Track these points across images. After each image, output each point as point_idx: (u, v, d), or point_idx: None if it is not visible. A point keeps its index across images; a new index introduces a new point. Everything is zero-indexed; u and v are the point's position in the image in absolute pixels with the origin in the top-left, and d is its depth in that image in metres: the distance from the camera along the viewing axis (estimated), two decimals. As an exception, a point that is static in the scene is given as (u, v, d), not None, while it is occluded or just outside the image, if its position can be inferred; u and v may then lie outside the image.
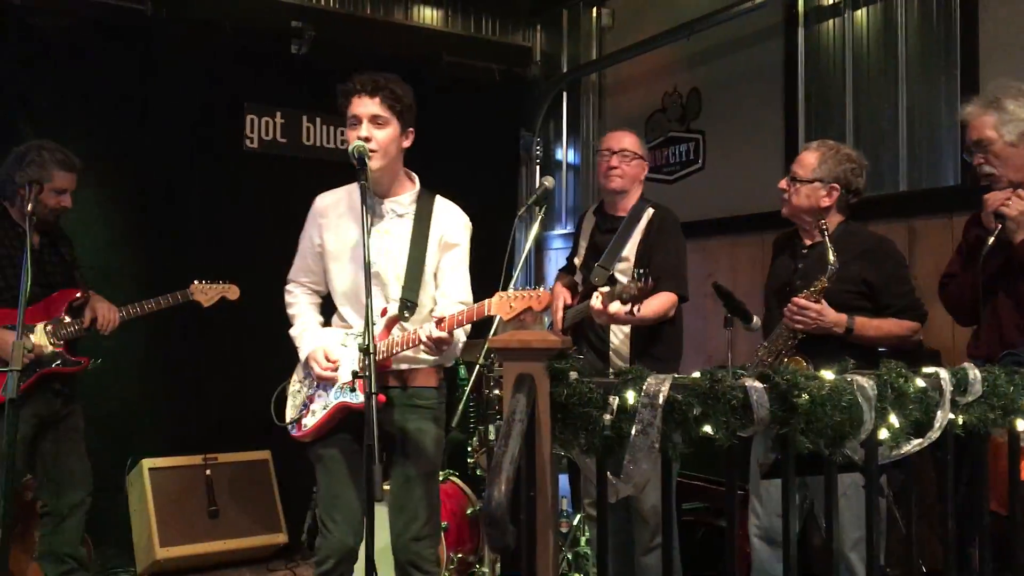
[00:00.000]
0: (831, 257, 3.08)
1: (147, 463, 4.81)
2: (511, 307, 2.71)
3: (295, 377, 3.11)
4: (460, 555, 4.13)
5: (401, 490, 2.97)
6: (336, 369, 2.92)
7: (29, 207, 3.44)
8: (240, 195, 5.30)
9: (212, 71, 5.27)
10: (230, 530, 4.88)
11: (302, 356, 3.05)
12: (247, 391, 5.16)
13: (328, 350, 2.95)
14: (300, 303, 3.15)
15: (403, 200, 3.03)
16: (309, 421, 2.95)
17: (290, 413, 3.04)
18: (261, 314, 5.18)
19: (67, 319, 3.78)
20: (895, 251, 3.30)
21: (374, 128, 2.90)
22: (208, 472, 4.94)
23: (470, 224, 3.14)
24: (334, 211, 3.08)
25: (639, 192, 3.68)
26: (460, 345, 2.99)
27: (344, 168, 2.95)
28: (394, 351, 2.84)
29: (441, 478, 4.35)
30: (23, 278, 3.09)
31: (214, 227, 5.17)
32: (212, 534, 4.83)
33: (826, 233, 3.13)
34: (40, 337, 3.68)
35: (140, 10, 5.03)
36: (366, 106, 2.90)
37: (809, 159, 3.31)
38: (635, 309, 3.04)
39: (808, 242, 3.35)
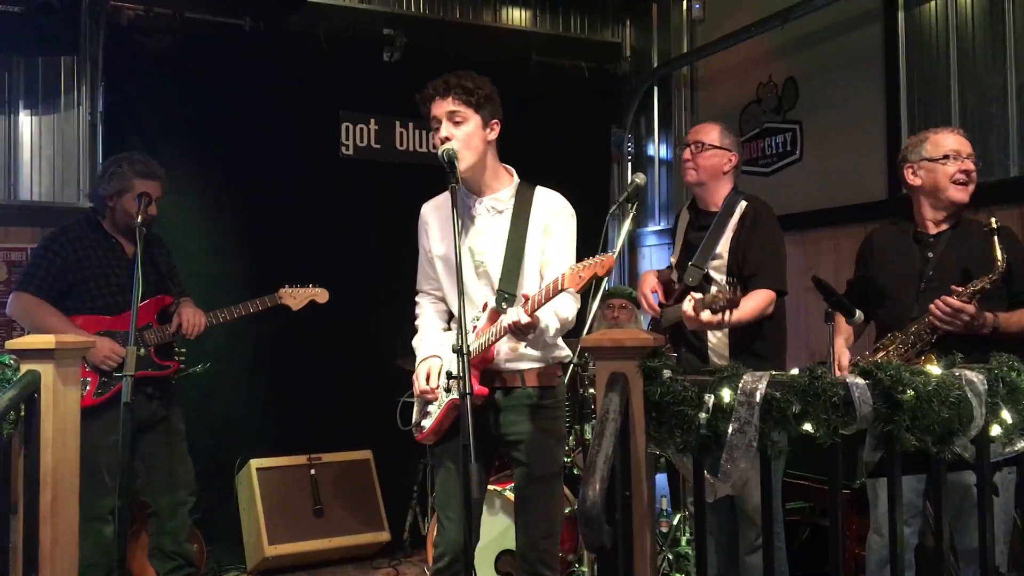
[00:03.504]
0: (999, 256, 2.96)
1: (255, 463, 4.96)
2: (580, 277, 2.69)
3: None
4: (559, 554, 4.13)
5: (525, 491, 2.99)
6: (433, 392, 2.97)
7: (139, 219, 3.58)
8: (337, 201, 5.42)
9: (308, 81, 5.41)
10: (335, 528, 5.00)
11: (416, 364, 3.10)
12: (348, 393, 5.30)
13: (432, 367, 2.99)
14: (425, 313, 3.19)
15: (502, 196, 3.03)
16: (427, 423, 3.01)
17: (415, 418, 3.10)
18: (361, 317, 5.34)
19: (155, 325, 3.89)
20: (1014, 232, 3.23)
21: (452, 126, 2.92)
22: (313, 472, 5.07)
23: (572, 210, 3.10)
24: (436, 216, 3.12)
25: (728, 185, 3.59)
26: (551, 332, 2.95)
27: (437, 172, 2.98)
28: (490, 340, 2.85)
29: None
30: (135, 287, 3.23)
31: (313, 233, 5.30)
32: (317, 532, 4.95)
33: (995, 230, 3.01)
34: (125, 343, 3.81)
35: (239, 25, 5.21)
36: (441, 106, 2.94)
37: (968, 142, 3.26)
38: (725, 318, 3.00)
39: (934, 231, 3.25)
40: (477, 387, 2.81)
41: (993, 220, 3.02)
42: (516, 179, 3.09)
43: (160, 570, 3.93)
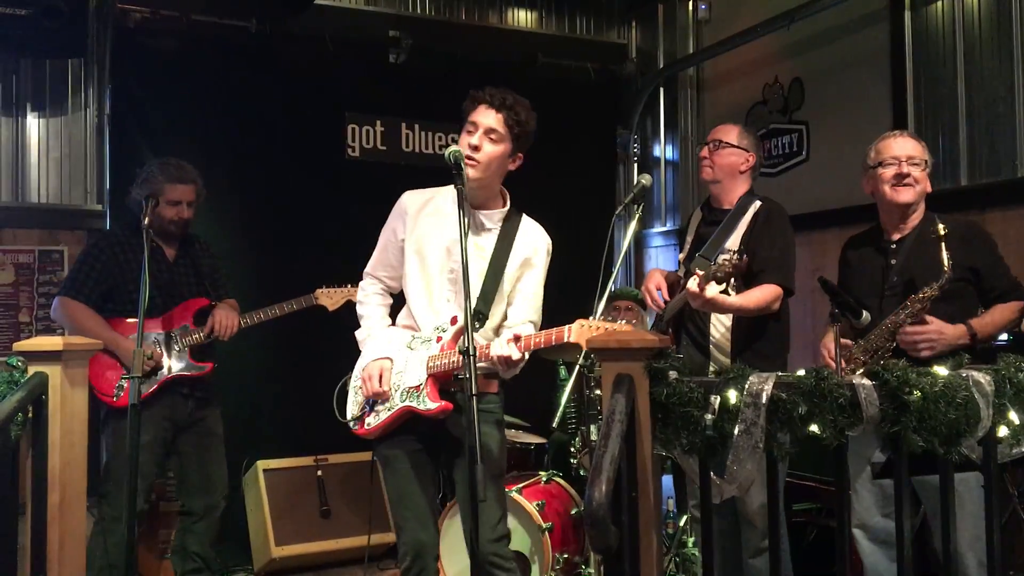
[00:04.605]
0: (946, 263, 2.97)
1: (262, 464, 4.96)
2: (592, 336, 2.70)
3: (357, 373, 3.13)
4: (565, 556, 4.13)
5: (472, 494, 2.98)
6: (386, 394, 2.95)
7: (146, 220, 3.61)
8: (343, 203, 5.42)
9: (314, 83, 5.41)
10: (341, 529, 4.99)
11: (363, 361, 3.07)
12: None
13: (386, 369, 2.97)
14: (370, 303, 3.17)
15: (492, 216, 3.05)
16: (373, 420, 2.99)
17: (352, 410, 3.08)
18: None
19: (192, 326, 3.94)
20: (987, 232, 3.23)
21: (486, 140, 2.92)
22: (319, 473, 5.07)
23: (551, 246, 3.14)
24: (421, 210, 3.10)
25: (745, 185, 3.59)
26: (518, 369, 2.97)
27: (441, 173, 2.98)
28: (460, 363, 2.82)
29: (545, 478, 4.37)
30: (142, 288, 3.25)
31: (319, 235, 5.30)
32: (324, 533, 4.95)
33: (943, 235, 3.01)
34: (163, 344, 3.85)
35: (245, 27, 5.22)
36: (487, 117, 2.93)
37: (918, 144, 3.25)
38: (730, 288, 2.99)
39: (896, 237, 3.26)
40: (441, 402, 2.84)
41: (940, 227, 3.01)
42: (508, 204, 3.10)
43: (178, 568, 3.95)
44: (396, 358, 3.00)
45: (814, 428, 2.07)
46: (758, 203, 3.50)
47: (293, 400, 5.26)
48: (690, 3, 6.15)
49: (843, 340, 3.15)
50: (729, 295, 3.19)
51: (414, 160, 5.70)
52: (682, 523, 4.18)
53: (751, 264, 3.39)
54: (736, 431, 2.09)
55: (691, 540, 4.14)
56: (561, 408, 3.50)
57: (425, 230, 3.06)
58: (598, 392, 4.25)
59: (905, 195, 3.19)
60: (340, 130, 5.54)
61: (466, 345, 2.55)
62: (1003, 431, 2.12)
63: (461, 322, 2.89)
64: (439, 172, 3.04)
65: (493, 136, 2.92)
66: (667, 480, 4.38)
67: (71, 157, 5.00)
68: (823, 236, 4.93)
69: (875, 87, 4.79)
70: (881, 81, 4.76)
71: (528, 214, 3.14)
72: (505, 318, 3.04)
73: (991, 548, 2.17)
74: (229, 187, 5.21)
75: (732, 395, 2.10)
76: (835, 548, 2.20)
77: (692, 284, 3.11)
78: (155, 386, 3.80)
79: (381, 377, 2.95)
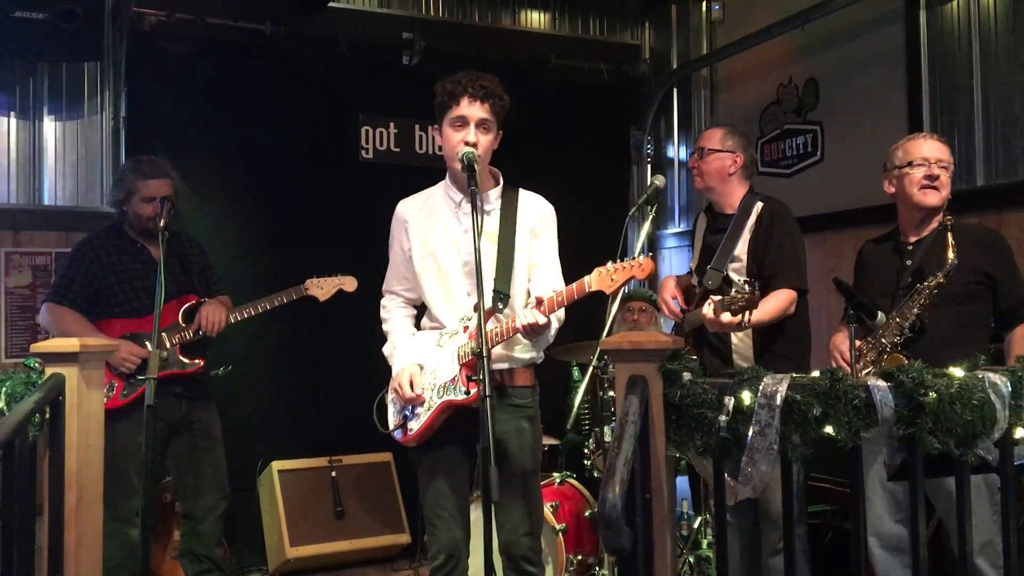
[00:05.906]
0: (951, 254, 2.99)
1: (276, 465, 4.98)
2: (612, 280, 2.68)
3: (392, 386, 3.14)
4: (580, 557, 4.13)
5: (506, 489, 2.98)
6: (419, 398, 2.96)
7: (162, 222, 3.62)
8: (357, 205, 5.44)
9: (328, 85, 5.43)
10: (356, 530, 5.01)
11: (394, 372, 3.09)
12: (368, 395, 5.30)
13: (415, 374, 2.98)
14: (393, 318, 3.19)
15: (489, 196, 3.05)
16: (415, 425, 3.00)
17: (393, 420, 3.09)
18: (380, 321, 5.36)
19: (181, 324, 3.90)
20: (1006, 241, 3.23)
21: (480, 133, 2.93)
22: (334, 474, 5.08)
23: (554, 213, 3.13)
24: (418, 214, 3.13)
25: (742, 186, 3.57)
26: (552, 333, 2.98)
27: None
28: (492, 343, 2.85)
29: (559, 480, 4.37)
30: (158, 289, 3.26)
31: (333, 236, 5.31)
32: (339, 534, 4.96)
33: (948, 228, 3.04)
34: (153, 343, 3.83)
35: (260, 29, 5.24)
36: (475, 110, 2.93)
37: (946, 147, 3.25)
38: (745, 319, 2.99)
39: (913, 239, 3.25)
40: (475, 389, 2.81)
41: (948, 219, 3.06)
42: (501, 182, 3.11)
43: (189, 572, 3.95)
44: (427, 361, 3.02)
45: (829, 429, 2.06)
46: (760, 204, 3.49)
47: (307, 401, 5.28)
48: (704, 3, 6.14)
49: (856, 341, 3.14)
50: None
51: (428, 162, 5.71)
52: (696, 524, 4.17)
53: (762, 269, 3.39)
54: (750, 432, 2.09)
55: (706, 541, 4.13)
56: (575, 409, 3.50)
57: (429, 232, 3.08)
58: (612, 393, 4.25)
59: (932, 198, 3.20)
60: (354, 132, 5.56)
61: (479, 347, 2.56)
62: (1020, 433, 2.11)
63: (487, 305, 2.91)
64: (452, 173, 3.05)
65: (485, 127, 2.95)
66: (682, 481, 4.38)
67: (87, 160, 5.04)
68: (837, 237, 4.92)
69: (890, 87, 4.77)
70: (896, 81, 4.74)
71: None
72: (529, 295, 3.03)
73: (1007, 551, 2.15)
74: (243, 188, 5.24)
75: (746, 396, 2.09)
76: (850, 550, 2.19)
77: (708, 311, 3.10)
78: (142, 387, 3.74)
79: (412, 383, 2.97)
